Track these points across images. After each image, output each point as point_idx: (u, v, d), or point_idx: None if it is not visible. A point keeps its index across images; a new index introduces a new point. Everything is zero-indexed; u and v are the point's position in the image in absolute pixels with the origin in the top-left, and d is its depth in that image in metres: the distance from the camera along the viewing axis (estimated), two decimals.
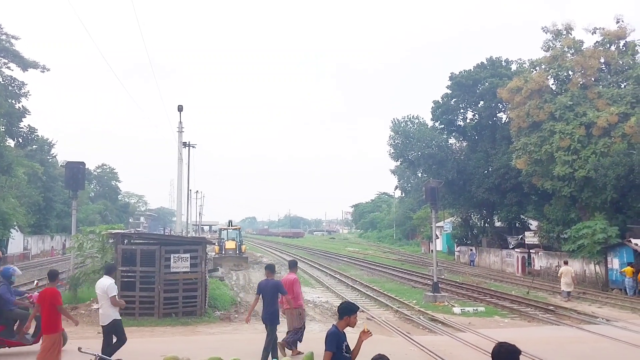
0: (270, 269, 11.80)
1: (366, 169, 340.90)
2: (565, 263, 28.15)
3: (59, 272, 11.53)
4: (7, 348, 11.86)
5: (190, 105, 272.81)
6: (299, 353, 11.77)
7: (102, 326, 10.43)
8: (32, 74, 56.07)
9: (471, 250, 52.21)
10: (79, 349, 7.81)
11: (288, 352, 11.85)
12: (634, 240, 28.71)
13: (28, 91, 45.31)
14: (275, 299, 11.21)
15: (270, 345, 11.03)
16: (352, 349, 6.49)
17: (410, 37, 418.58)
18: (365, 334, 6.42)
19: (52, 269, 11.22)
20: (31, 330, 11.87)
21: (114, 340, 10.40)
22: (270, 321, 11.12)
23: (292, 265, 13.00)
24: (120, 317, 10.52)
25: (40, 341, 10.55)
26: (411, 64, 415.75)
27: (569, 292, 25.81)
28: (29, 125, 46.36)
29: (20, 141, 46.60)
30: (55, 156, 69.73)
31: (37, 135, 50.77)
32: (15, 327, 11.93)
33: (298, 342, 12.22)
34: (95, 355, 7.44)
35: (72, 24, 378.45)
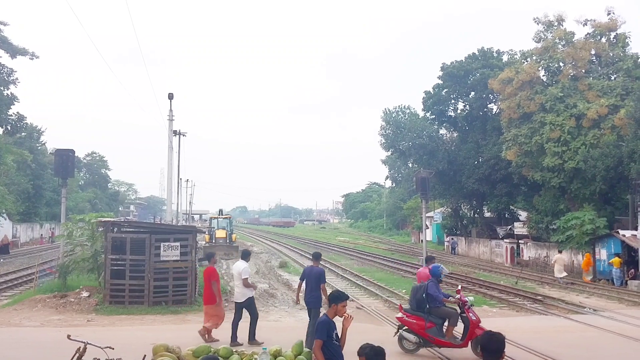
0: (316, 257, 12.72)
1: (357, 158, 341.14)
2: (560, 252, 30.20)
3: (214, 253, 14.53)
4: (437, 348, 11.67)
5: (181, 93, 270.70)
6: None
7: (236, 303, 12.36)
8: (21, 61, 55.43)
9: (452, 238, 53.08)
10: (68, 336, 7.78)
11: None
12: (621, 232, 28.94)
13: (17, 78, 44.65)
14: (318, 285, 11.84)
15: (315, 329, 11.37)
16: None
17: (400, 22, 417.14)
18: (347, 320, 6.47)
19: (208, 251, 14.78)
20: (459, 332, 11.79)
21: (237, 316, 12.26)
22: (314, 305, 11.86)
23: (429, 260, 14.09)
24: (253, 296, 12.51)
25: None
26: (401, 51, 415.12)
27: (561, 278, 27.73)
28: (17, 112, 45.73)
29: (9, 128, 46.00)
30: (44, 144, 69.28)
31: (26, 123, 50.15)
32: (444, 327, 11.61)
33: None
34: (84, 342, 7.42)
35: (62, 10, 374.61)
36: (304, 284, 12.26)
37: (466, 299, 11.86)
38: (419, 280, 13.72)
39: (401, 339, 11.79)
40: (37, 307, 17.13)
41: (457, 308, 11.79)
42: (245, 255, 12.82)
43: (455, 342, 11.53)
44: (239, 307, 12.30)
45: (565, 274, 28.27)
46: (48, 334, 13.35)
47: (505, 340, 4.40)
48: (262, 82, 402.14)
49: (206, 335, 12.30)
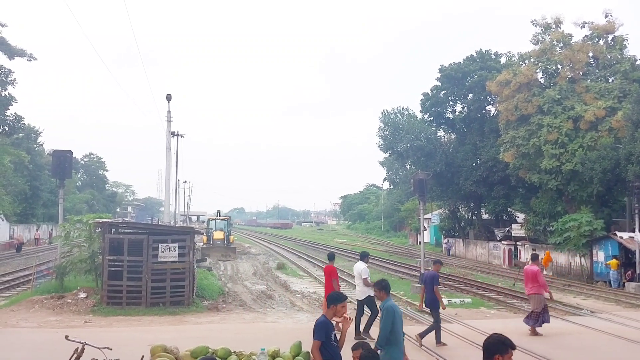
0: (435, 262, 14.02)
1: (355, 160, 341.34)
2: (533, 250, 32.80)
3: (334, 254, 15.74)
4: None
5: (179, 94, 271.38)
6: (537, 334, 13.86)
7: (358, 300, 13.53)
8: (19, 62, 55.21)
9: (448, 240, 54.06)
10: (66, 337, 7.77)
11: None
12: (619, 234, 29.00)
13: (15, 79, 44.48)
14: (431, 288, 12.73)
15: (434, 328, 12.58)
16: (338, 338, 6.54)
17: (399, 21, 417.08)
18: (345, 321, 6.48)
19: (330, 252, 15.76)
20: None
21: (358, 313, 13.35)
22: (430, 305, 12.91)
23: (534, 258, 15.02)
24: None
25: None
26: (400, 51, 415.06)
27: None
28: (15, 113, 45.50)
29: (7, 129, 45.79)
30: (42, 145, 69.09)
31: (24, 124, 49.99)
32: None
33: (543, 323, 14.04)
34: (82, 343, 7.40)
35: (61, 11, 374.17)
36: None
37: None
38: (525, 277, 14.34)
39: None
40: (34, 308, 17.09)
41: None
42: (364, 256, 14.07)
43: None
44: (360, 304, 13.47)
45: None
46: (45, 335, 13.31)
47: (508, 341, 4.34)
48: (260, 83, 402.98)
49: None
